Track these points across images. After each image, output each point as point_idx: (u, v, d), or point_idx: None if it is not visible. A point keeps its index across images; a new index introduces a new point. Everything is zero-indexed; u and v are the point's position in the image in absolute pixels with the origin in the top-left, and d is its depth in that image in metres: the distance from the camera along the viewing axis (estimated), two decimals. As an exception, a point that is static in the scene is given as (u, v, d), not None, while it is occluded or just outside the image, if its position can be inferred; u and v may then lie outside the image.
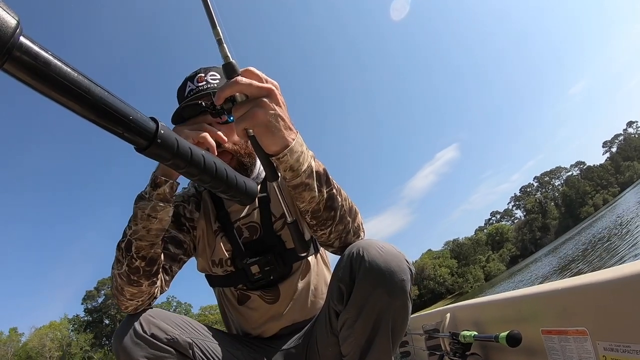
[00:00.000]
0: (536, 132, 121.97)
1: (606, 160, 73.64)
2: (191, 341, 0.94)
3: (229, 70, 0.69)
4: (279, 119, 0.70)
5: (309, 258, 1.16)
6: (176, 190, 0.91)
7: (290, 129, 0.73)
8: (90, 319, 53.80)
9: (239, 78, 0.68)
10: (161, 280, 1.01)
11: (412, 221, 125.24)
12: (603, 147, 77.88)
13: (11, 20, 0.42)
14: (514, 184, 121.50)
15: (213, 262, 1.13)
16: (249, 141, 0.72)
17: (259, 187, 1.14)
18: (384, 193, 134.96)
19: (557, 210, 72.17)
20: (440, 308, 2.05)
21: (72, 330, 53.46)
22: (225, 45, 0.68)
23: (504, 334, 1.16)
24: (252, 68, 0.71)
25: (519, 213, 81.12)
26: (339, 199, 0.84)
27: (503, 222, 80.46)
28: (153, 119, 0.70)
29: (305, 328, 1.11)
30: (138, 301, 0.94)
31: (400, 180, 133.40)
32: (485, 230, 78.64)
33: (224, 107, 0.72)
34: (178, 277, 1.13)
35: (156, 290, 0.98)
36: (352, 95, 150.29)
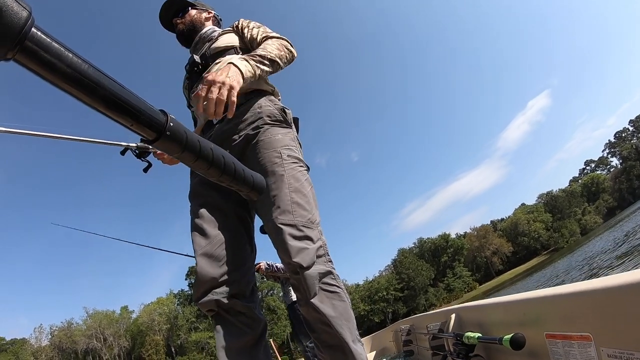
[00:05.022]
0: (631, 71, 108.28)
1: None
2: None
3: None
4: (222, 85, 1.07)
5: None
6: None
7: (235, 73, 1.14)
8: (194, 292, 55.67)
9: (196, 95, 1.07)
10: None
11: (507, 174, 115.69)
12: None
13: (22, 12, 0.43)
14: (610, 129, 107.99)
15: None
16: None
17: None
18: (480, 145, 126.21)
19: (656, 157, 63.09)
20: (445, 308, 2.05)
21: (178, 304, 55.23)
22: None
23: (508, 336, 1.15)
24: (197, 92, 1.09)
25: (614, 161, 72.61)
26: (277, 60, 1.36)
27: (598, 172, 72.93)
28: (162, 111, 0.71)
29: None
30: None
31: (495, 131, 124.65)
32: (579, 181, 71.96)
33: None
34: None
35: None
36: (435, 53, 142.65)
